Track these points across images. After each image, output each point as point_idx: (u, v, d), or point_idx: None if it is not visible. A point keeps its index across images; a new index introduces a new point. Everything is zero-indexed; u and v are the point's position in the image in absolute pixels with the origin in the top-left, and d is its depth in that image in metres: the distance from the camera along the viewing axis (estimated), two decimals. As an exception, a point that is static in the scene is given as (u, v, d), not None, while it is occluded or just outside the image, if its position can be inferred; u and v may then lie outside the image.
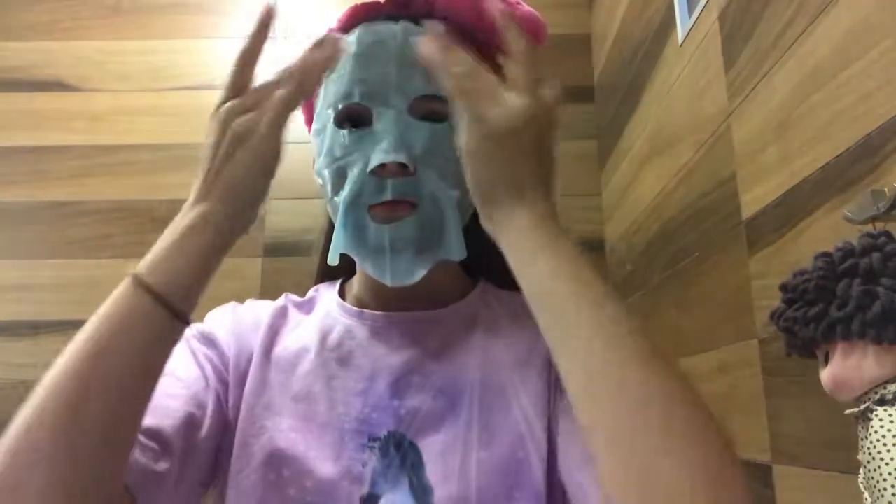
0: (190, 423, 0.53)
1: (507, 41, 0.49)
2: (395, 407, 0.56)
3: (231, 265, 1.92)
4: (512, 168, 0.47)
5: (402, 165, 0.53)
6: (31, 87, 2.07)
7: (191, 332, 0.61)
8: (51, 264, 1.94)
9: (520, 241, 0.46)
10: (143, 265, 0.46)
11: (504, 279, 0.61)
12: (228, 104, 0.50)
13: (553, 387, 0.56)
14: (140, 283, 0.44)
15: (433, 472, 0.53)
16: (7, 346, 1.87)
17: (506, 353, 0.59)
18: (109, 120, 2.05)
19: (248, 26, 0.52)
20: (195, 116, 2.06)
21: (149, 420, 0.47)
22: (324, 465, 0.53)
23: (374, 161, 0.53)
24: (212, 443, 0.55)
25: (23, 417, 0.43)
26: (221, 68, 2.10)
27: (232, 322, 0.63)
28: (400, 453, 0.54)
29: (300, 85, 0.49)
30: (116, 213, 1.98)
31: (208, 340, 0.60)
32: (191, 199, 0.49)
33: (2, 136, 2.03)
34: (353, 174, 0.55)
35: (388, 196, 0.54)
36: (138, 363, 0.43)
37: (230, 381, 0.58)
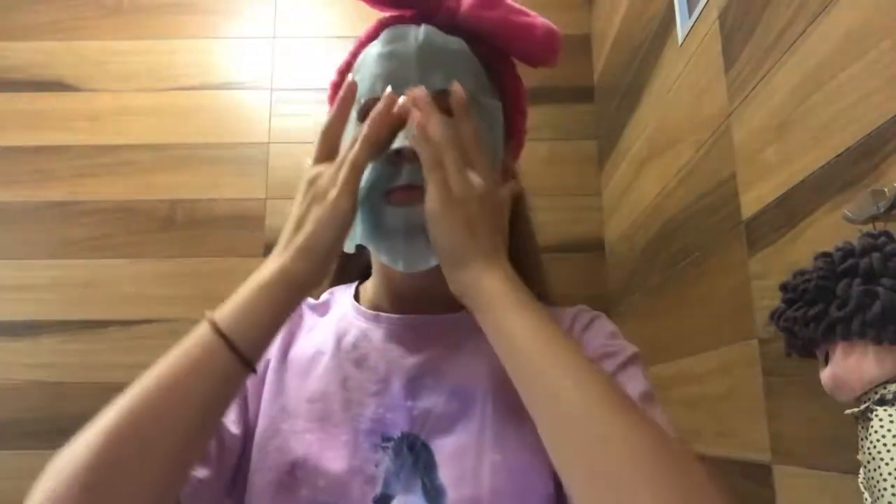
0: (221, 428, 0.55)
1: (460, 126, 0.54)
2: (408, 408, 0.57)
3: (231, 265, 1.92)
4: (473, 234, 0.51)
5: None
6: (31, 87, 2.07)
7: None
8: (50, 264, 1.94)
9: (491, 302, 0.50)
10: (221, 313, 0.50)
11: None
12: (314, 170, 0.55)
13: None
14: (217, 330, 0.49)
15: (446, 474, 0.54)
16: (7, 346, 1.87)
17: None
18: (109, 120, 2.05)
19: (334, 103, 0.57)
20: (195, 116, 2.06)
21: None
22: (337, 463, 0.54)
23: (393, 146, 0.55)
24: (239, 448, 0.57)
25: (93, 438, 0.46)
26: (221, 68, 2.11)
27: None
28: (413, 454, 0.55)
29: (370, 145, 0.53)
30: (116, 213, 1.98)
31: None
32: (273, 253, 0.54)
33: (2, 136, 2.03)
34: (371, 163, 0.56)
35: (403, 181, 0.55)
36: (207, 400, 0.48)
37: (251, 385, 0.60)
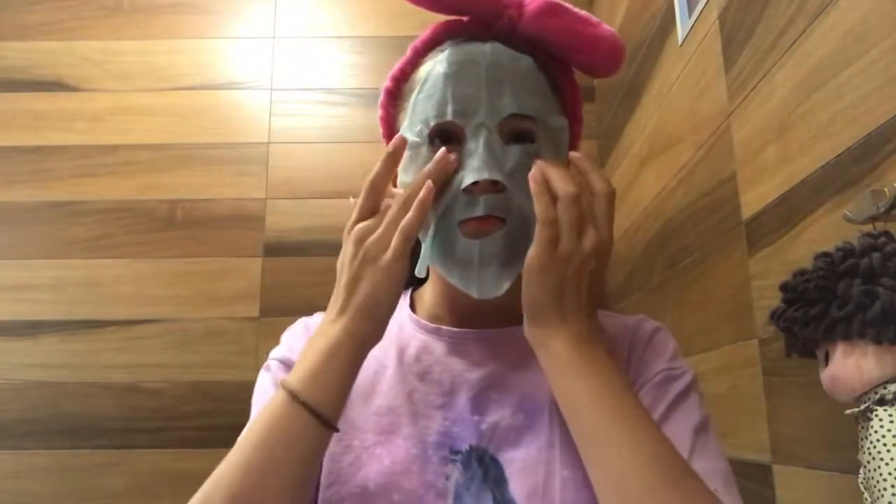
0: None
1: (592, 183, 0.55)
2: (475, 422, 0.57)
3: (231, 265, 1.91)
4: (563, 295, 0.52)
5: (494, 182, 0.55)
6: (31, 87, 2.07)
7: (273, 361, 0.63)
8: (51, 264, 1.94)
9: (556, 361, 0.52)
10: (295, 381, 0.51)
11: None
12: (361, 225, 0.55)
13: None
14: (296, 399, 0.50)
15: (517, 488, 0.54)
16: (7, 346, 1.87)
17: None
18: (109, 120, 2.05)
19: (383, 159, 0.57)
20: (195, 116, 2.06)
21: None
22: (410, 478, 0.55)
23: (469, 179, 0.55)
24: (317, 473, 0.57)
25: None
26: (221, 68, 2.10)
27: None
28: (482, 467, 0.55)
29: (423, 210, 0.54)
30: (116, 213, 1.98)
31: (290, 368, 0.62)
32: (330, 314, 0.55)
33: (2, 136, 2.03)
34: (445, 191, 0.56)
35: (479, 212, 0.55)
36: (300, 469, 0.50)
37: None
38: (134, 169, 2.02)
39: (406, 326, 0.65)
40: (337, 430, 0.51)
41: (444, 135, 0.58)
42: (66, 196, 2.00)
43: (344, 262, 0.55)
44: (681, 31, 1.32)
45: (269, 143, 2.03)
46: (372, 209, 0.56)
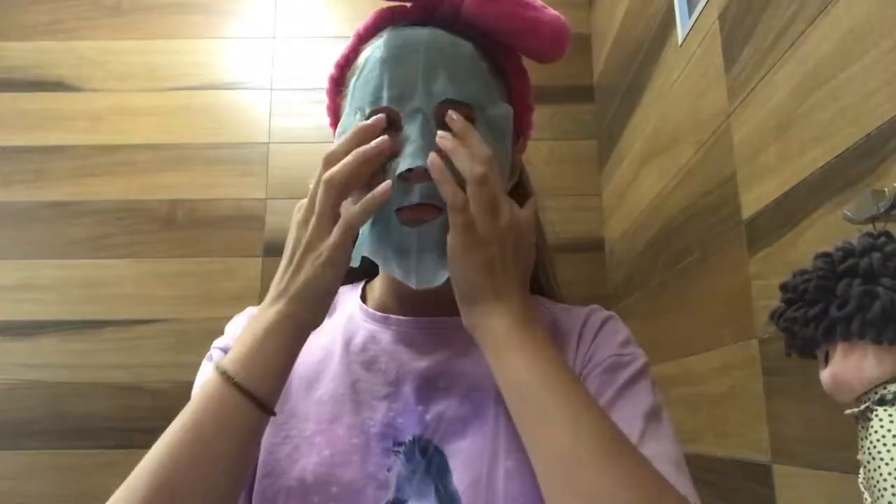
0: None
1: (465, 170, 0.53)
2: (420, 412, 0.56)
3: (231, 265, 1.91)
4: (492, 275, 0.52)
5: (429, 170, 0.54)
6: (31, 87, 2.07)
7: (216, 350, 0.62)
8: (51, 264, 1.94)
9: (496, 343, 0.51)
10: (229, 362, 0.50)
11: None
12: (306, 208, 0.55)
13: None
14: (234, 383, 0.48)
15: (460, 479, 0.53)
16: (7, 346, 1.87)
17: None
18: (109, 120, 2.05)
19: (341, 139, 0.55)
20: (195, 116, 2.06)
21: None
22: (349, 469, 0.54)
23: (403, 166, 0.54)
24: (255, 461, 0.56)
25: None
26: (221, 68, 2.10)
27: None
28: (426, 459, 0.54)
29: (367, 210, 0.52)
30: (116, 213, 1.98)
31: None
32: (268, 298, 0.53)
33: (2, 136, 2.03)
34: (381, 177, 0.55)
35: (415, 200, 0.54)
36: (232, 451, 0.48)
37: None
38: (134, 169, 2.02)
39: (355, 317, 0.64)
40: (273, 413, 0.50)
41: None
42: (66, 196, 2.00)
43: (287, 248, 0.55)
44: (681, 31, 1.32)
45: (269, 143, 2.03)
46: (324, 201, 0.55)
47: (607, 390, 0.55)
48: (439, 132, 0.54)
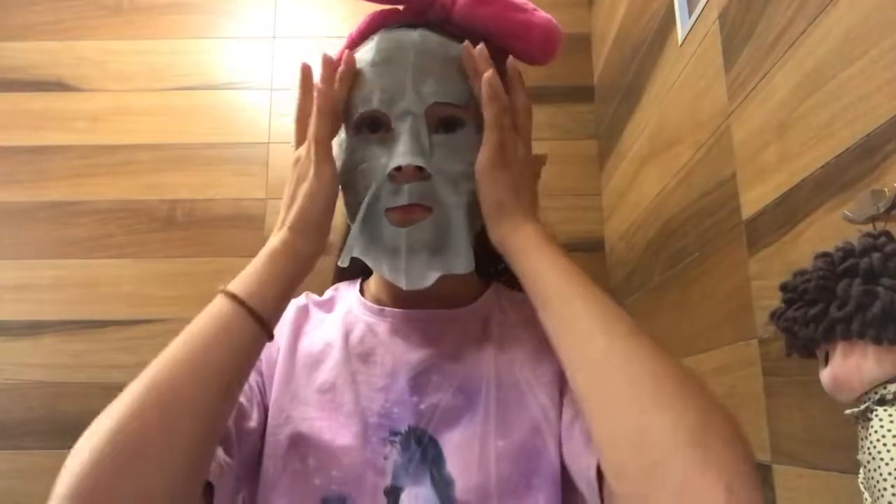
0: (240, 413, 0.56)
1: (513, 101, 0.59)
2: (414, 403, 0.58)
3: (231, 265, 1.91)
4: (517, 193, 0.56)
5: (419, 169, 0.55)
6: (31, 87, 2.07)
7: None
8: (51, 264, 1.94)
9: (527, 245, 0.53)
10: (234, 285, 0.51)
11: (514, 280, 0.63)
12: (296, 154, 0.58)
13: (563, 379, 0.57)
14: (234, 298, 0.50)
15: (454, 464, 0.55)
16: (7, 346, 1.87)
17: (519, 351, 0.60)
18: (109, 120, 2.05)
19: (295, 86, 0.61)
20: (195, 116, 2.06)
21: None
22: (349, 455, 0.55)
23: (392, 164, 0.55)
24: (257, 440, 0.57)
25: (117, 414, 0.45)
26: (221, 68, 2.10)
27: None
28: (421, 448, 0.56)
29: (325, 117, 0.56)
30: (116, 213, 1.98)
31: None
32: (273, 232, 0.57)
33: (2, 136, 2.03)
34: (371, 178, 0.56)
35: (404, 200, 0.55)
36: (230, 364, 0.48)
37: (264, 371, 0.61)
38: (134, 169, 2.01)
39: (354, 309, 0.65)
40: (272, 337, 0.51)
41: (371, 122, 0.58)
42: (66, 196, 2.00)
43: (286, 189, 0.58)
44: (681, 31, 1.32)
45: (269, 143, 2.03)
46: (303, 140, 0.59)
47: None
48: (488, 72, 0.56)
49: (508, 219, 0.55)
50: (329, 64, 0.57)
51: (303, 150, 0.57)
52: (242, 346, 0.49)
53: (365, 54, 0.59)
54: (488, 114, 0.55)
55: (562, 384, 0.58)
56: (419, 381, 0.59)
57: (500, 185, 0.55)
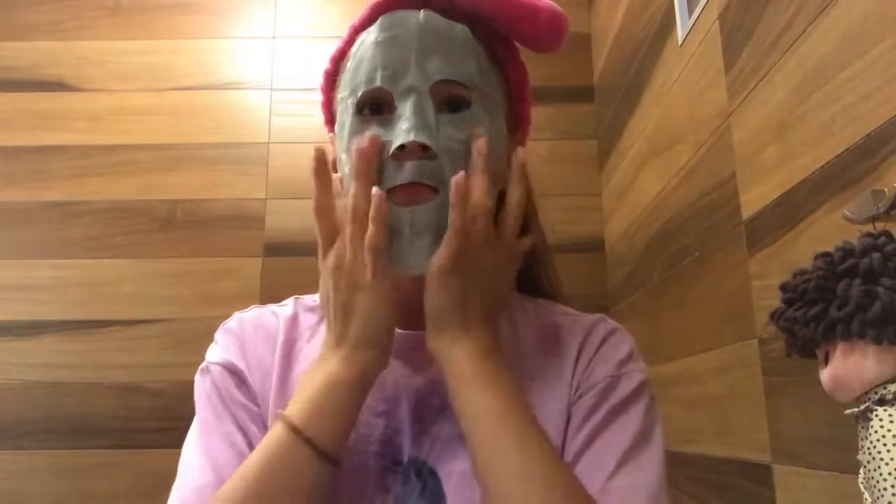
0: (244, 453, 0.54)
1: (508, 194, 0.55)
2: (415, 432, 0.56)
3: (231, 265, 1.91)
4: (462, 302, 0.52)
5: (423, 147, 0.52)
6: (31, 87, 2.07)
7: (211, 364, 0.60)
8: (51, 264, 1.94)
9: (455, 374, 0.51)
10: (296, 413, 0.50)
11: (526, 285, 0.62)
12: (331, 254, 0.54)
13: (568, 412, 0.56)
14: (299, 434, 0.49)
15: (454, 502, 0.53)
16: (7, 346, 1.87)
17: (528, 376, 0.58)
18: (109, 120, 2.05)
19: (315, 178, 0.55)
20: (195, 116, 2.06)
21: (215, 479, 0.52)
22: (347, 491, 0.53)
23: (396, 143, 0.52)
24: None
25: None
26: (221, 68, 2.10)
27: (248, 345, 0.61)
28: (420, 480, 0.54)
29: (383, 223, 0.51)
30: (116, 213, 1.98)
31: (239, 379, 0.59)
32: (329, 346, 0.53)
33: (2, 136, 2.03)
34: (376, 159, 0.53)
35: (407, 178, 0.52)
36: (301, 501, 0.49)
37: (260, 405, 0.58)
38: (134, 169, 2.02)
39: None
40: (339, 464, 0.50)
41: (374, 104, 0.55)
42: (66, 196, 2.00)
43: (329, 295, 0.54)
44: (681, 31, 1.32)
45: (269, 143, 2.03)
46: (330, 231, 0.54)
47: (597, 413, 0.54)
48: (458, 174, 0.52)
49: (442, 335, 0.52)
50: (369, 150, 0.52)
51: (347, 252, 0.53)
52: (314, 484, 0.49)
53: (368, 36, 0.56)
54: (451, 217, 0.51)
55: (567, 417, 0.56)
56: (421, 408, 0.56)
57: (446, 293, 0.52)
